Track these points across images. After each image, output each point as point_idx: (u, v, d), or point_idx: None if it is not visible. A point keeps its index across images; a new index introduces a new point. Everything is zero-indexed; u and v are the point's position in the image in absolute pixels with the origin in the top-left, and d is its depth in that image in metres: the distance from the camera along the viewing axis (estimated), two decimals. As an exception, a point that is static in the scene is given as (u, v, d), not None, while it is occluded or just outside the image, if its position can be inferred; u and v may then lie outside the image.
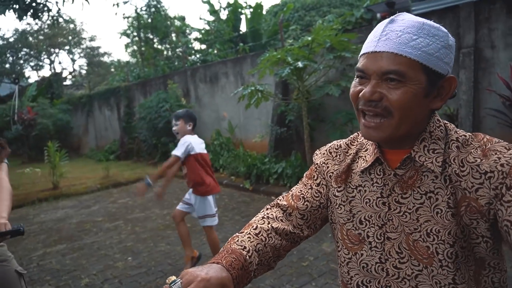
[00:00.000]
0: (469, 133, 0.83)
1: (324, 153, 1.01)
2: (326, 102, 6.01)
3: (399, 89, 0.75)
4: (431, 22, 0.78)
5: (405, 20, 0.77)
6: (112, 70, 20.86)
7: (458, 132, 0.83)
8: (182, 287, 0.72)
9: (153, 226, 4.85)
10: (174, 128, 3.32)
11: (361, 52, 0.82)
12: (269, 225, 0.92)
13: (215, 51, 11.34)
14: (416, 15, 0.82)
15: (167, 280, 0.75)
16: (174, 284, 0.72)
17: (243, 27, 11.72)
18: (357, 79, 0.83)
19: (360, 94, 0.80)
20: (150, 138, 9.47)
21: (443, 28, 0.78)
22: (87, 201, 6.74)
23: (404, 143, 0.83)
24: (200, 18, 26.38)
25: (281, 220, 0.95)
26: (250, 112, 7.43)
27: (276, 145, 6.57)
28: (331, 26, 5.35)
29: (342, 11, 10.76)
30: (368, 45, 0.80)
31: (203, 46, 12.48)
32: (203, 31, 12.18)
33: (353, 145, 0.97)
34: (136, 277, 3.42)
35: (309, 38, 5.07)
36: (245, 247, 0.86)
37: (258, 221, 0.94)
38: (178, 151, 3.16)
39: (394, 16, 0.80)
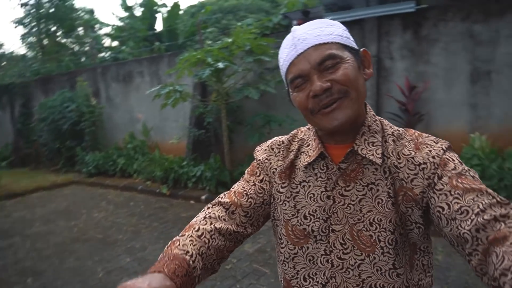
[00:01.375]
0: (402, 128, 0.88)
1: (266, 149, 0.99)
2: (245, 105, 6.09)
3: (339, 68, 0.80)
4: (322, 19, 0.86)
5: (304, 25, 0.85)
6: (4, 63, 18.31)
7: (392, 127, 0.89)
8: None
9: (58, 241, 4.33)
10: None
11: (286, 65, 0.84)
12: (212, 226, 0.86)
13: (128, 49, 10.71)
14: None
15: None
16: None
17: (159, 26, 11.31)
18: (296, 89, 0.84)
19: (311, 93, 0.80)
20: (52, 142, 8.51)
21: (331, 20, 0.87)
22: (-29, 215, 5.77)
23: (346, 137, 0.86)
24: (112, 14, 24.69)
25: (224, 219, 0.89)
26: (166, 114, 7.17)
27: (194, 148, 6.43)
28: (250, 30, 5.44)
29: (259, 16, 11.07)
30: (289, 56, 0.83)
31: (115, 43, 11.71)
32: (115, 27, 11.43)
33: (295, 141, 0.97)
34: (38, 297, 3.01)
35: (229, 40, 5.07)
36: (187, 252, 0.78)
37: (200, 221, 0.87)
38: None
39: (292, 29, 0.86)
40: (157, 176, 6.31)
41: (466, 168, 0.77)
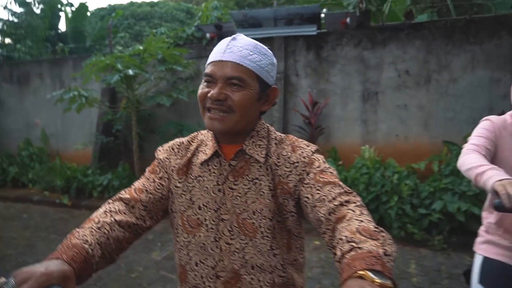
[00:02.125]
0: (284, 134, 1.06)
1: (167, 150, 1.08)
2: (156, 113, 6.01)
3: (240, 91, 0.92)
4: (261, 44, 0.99)
5: (244, 39, 0.96)
6: None
7: (276, 133, 1.06)
8: (17, 285, 0.65)
9: None
10: None
11: (209, 61, 0.97)
12: (112, 218, 0.92)
13: (25, 49, 9.71)
14: None
15: None
16: (5, 285, 0.64)
17: (62, 26, 10.50)
18: (205, 83, 0.96)
19: (209, 95, 0.93)
20: None
21: (269, 50, 1.00)
22: None
23: (237, 139, 0.99)
24: (5, 8, 22.07)
25: (124, 213, 0.96)
26: (70, 120, 6.69)
27: (101, 156, 6.12)
28: (163, 39, 5.44)
29: (173, 25, 11.00)
30: (215, 56, 0.95)
31: (8, 40, 10.50)
32: (7, 23, 10.26)
33: (194, 142, 1.08)
34: None
35: (141, 48, 5.01)
36: (87, 241, 0.83)
37: (100, 215, 0.92)
38: None
39: (235, 35, 0.98)
40: (57, 185, 5.83)
41: (328, 166, 0.97)
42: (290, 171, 0.96)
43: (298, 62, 5.50)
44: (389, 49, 5.03)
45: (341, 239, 0.73)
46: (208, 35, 5.78)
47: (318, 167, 0.95)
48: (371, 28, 5.16)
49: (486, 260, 1.38)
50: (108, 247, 0.88)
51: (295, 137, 1.05)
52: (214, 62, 0.94)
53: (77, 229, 0.88)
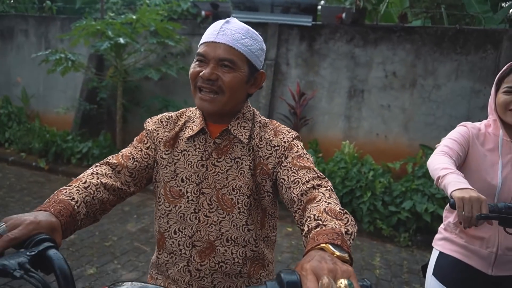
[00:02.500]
0: (268, 119, 1.13)
1: (155, 122, 1.13)
2: (143, 86, 5.95)
3: (230, 73, 0.98)
4: (253, 30, 1.04)
5: (237, 23, 1.02)
6: None
7: (261, 117, 1.13)
8: (7, 230, 0.69)
9: None
10: None
11: (202, 41, 1.01)
12: (98, 180, 0.96)
13: (9, 1, 9.32)
14: None
15: None
16: None
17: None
18: (197, 62, 1.01)
19: (201, 74, 0.98)
20: None
21: (260, 36, 1.06)
22: None
23: (224, 119, 1.05)
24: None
25: (110, 176, 1.01)
26: (53, 82, 6.55)
27: (83, 123, 6.03)
28: (157, 10, 5.35)
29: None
30: (209, 36, 1.00)
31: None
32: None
33: (182, 117, 1.13)
34: None
35: (134, 17, 4.92)
36: (73, 198, 0.88)
37: (87, 176, 0.97)
38: None
39: (228, 18, 1.03)
40: (35, 148, 5.74)
41: (305, 152, 1.05)
42: (271, 154, 1.03)
43: (290, 51, 5.53)
44: (380, 49, 5.13)
45: (309, 217, 0.80)
46: (203, 12, 5.71)
47: (296, 152, 1.02)
48: (365, 26, 5.23)
49: (442, 255, 1.49)
50: (93, 207, 0.93)
51: (278, 123, 1.12)
52: (207, 43, 0.99)
53: (64, 187, 0.92)
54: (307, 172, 0.96)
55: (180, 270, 1.06)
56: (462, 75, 4.87)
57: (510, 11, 6.64)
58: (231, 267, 1.05)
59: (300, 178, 0.94)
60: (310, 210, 0.83)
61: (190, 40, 5.73)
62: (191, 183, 1.04)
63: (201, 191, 1.04)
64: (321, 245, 0.67)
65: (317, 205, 0.83)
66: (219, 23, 1.01)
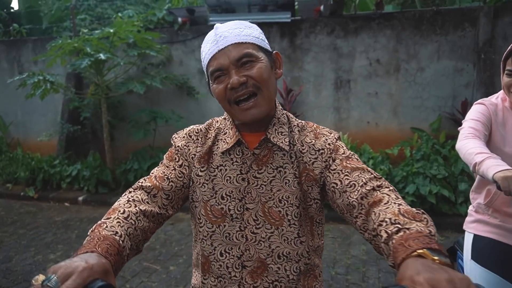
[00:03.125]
0: (303, 121, 1.07)
1: (184, 137, 1.06)
2: (126, 100, 5.79)
3: (254, 67, 0.92)
4: (242, 21, 0.99)
5: (226, 24, 0.96)
6: None
7: (296, 120, 1.06)
8: (59, 282, 0.61)
9: None
10: None
11: (208, 58, 0.94)
12: (137, 208, 0.89)
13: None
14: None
15: (33, 281, 0.62)
16: (48, 281, 0.61)
17: (15, 5, 9.76)
18: (215, 80, 0.94)
19: (229, 86, 0.91)
20: None
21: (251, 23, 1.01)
22: None
23: (260, 127, 0.99)
24: None
25: (147, 202, 0.94)
26: (32, 107, 6.31)
27: (68, 145, 5.84)
28: (132, 22, 5.21)
29: (138, 9, 10.54)
30: (211, 50, 0.93)
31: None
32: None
33: (211, 129, 1.06)
34: None
35: (111, 31, 4.78)
36: (117, 232, 0.80)
37: (124, 205, 0.90)
38: None
39: (216, 25, 0.97)
40: (21, 177, 5.51)
41: (352, 152, 0.99)
42: (316, 158, 0.97)
43: (272, 49, 5.48)
44: (361, 38, 5.15)
45: (384, 221, 0.75)
46: (180, 19, 5.61)
47: (343, 153, 0.97)
48: (344, 17, 5.24)
49: (477, 238, 1.47)
50: (136, 238, 0.86)
51: (315, 124, 1.06)
52: (214, 56, 0.93)
53: (103, 220, 0.84)
54: (361, 173, 0.91)
55: None
56: (443, 56, 4.95)
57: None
58: (286, 285, 0.98)
59: (356, 181, 0.89)
60: (380, 213, 0.78)
61: (170, 48, 5.62)
62: (233, 199, 0.98)
63: (245, 206, 0.97)
64: (418, 251, 0.62)
65: (387, 208, 0.78)
66: (211, 34, 0.96)
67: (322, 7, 5.29)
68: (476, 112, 1.44)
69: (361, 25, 5.14)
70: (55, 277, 0.62)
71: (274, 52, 1.00)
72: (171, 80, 5.33)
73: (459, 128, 1.47)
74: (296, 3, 5.79)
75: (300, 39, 5.36)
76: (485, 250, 1.44)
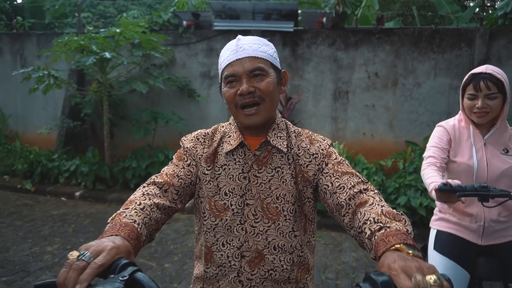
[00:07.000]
0: (299, 128, 1.20)
1: (192, 139, 1.18)
2: (128, 99, 5.88)
3: (263, 80, 1.05)
4: (262, 38, 1.13)
5: (248, 37, 1.10)
6: None
7: (293, 126, 1.20)
8: (92, 257, 0.70)
9: None
10: None
11: (225, 64, 1.07)
12: (151, 201, 0.99)
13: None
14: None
15: (69, 255, 0.71)
16: (82, 256, 0.70)
17: (19, -1, 9.81)
18: (228, 85, 1.07)
19: (239, 92, 1.04)
20: None
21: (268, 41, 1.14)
22: None
23: (261, 131, 1.11)
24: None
25: (160, 196, 1.04)
26: (32, 100, 6.37)
27: (67, 140, 5.89)
28: (137, 23, 5.31)
29: (141, 9, 10.65)
30: (230, 57, 1.06)
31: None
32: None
33: (217, 133, 1.18)
34: None
35: (117, 30, 4.87)
36: (135, 221, 0.90)
37: (140, 197, 1.00)
38: None
39: (238, 36, 1.11)
40: (19, 169, 5.56)
41: (343, 158, 1.12)
42: (310, 161, 1.10)
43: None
44: (361, 51, 5.29)
45: (368, 220, 0.86)
46: (184, 22, 5.72)
47: (335, 158, 1.09)
48: (345, 29, 5.39)
49: (439, 232, 1.77)
50: (151, 227, 0.96)
51: (310, 131, 1.19)
52: (231, 63, 1.05)
53: (122, 210, 0.94)
54: (350, 177, 1.02)
55: (231, 281, 1.09)
56: (440, 73, 5.10)
57: (477, 9, 7.01)
58: (280, 274, 1.09)
59: (345, 184, 1.00)
60: (365, 213, 0.88)
61: (174, 50, 5.72)
62: (235, 195, 1.09)
63: (245, 202, 1.08)
64: (396, 246, 0.72)
65: (371, 208, 0.89)
66: (232, 43, 1.08)
67: (324, 19, 5.44)
68: (435, 138, 1.74)
69: (362, 39, 5.28)
70: (88, 253, 0.71)
71: (282, 70, 1.14)
72: (173, 82, 5.42)
73: (423, 155, 1.76)
74: (299, 13, 5.93)
75: (302, 48, 5.49)
76: (445, 242, 1.74)
